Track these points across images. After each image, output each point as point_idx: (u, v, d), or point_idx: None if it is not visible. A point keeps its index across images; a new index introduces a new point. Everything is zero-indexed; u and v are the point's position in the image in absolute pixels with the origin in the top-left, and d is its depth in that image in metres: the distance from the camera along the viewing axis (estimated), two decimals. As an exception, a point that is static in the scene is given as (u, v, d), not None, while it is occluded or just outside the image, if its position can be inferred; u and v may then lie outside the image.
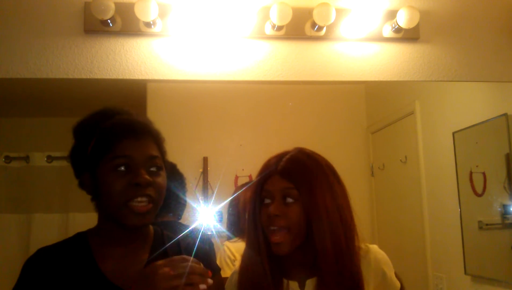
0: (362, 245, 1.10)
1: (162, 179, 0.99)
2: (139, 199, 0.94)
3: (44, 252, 1.00)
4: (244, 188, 1.70)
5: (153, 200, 0.96)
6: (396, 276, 1.12)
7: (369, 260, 1.08)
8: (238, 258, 1.17)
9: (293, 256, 1.08)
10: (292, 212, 1.03)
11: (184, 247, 1.06)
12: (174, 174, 1.62)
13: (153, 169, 0.98)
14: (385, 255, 1.13)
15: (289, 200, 1.03)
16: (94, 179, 0.97)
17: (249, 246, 1.11)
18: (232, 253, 1.57)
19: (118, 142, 0.95)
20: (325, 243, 1.02)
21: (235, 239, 1.64)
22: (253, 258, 1.08)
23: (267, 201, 1.06)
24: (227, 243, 1.64)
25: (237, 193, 1.72)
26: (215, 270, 1.09)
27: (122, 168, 0.95)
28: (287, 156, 1.09)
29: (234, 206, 1.71)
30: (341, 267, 1.02)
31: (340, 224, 1.04)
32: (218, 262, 1.55)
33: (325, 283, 1.02)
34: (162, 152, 1.03)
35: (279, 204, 1.03)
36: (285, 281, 1.09)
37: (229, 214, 1.70)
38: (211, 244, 1.33)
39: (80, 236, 1.04)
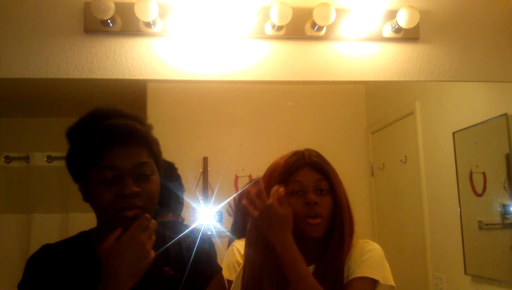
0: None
1: (152, 184, 0.98)
2: (126, 210, 0.94)
3: (49, 249, 1.01)
4: (245, 187, 1.68)
5: (142, 208, 0.95)
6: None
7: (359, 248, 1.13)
8: None
9: (299, 246, 1.10)
10: (326, 201, 1.11)
11: (185, 247, 1.06)
12: (172, 173, 1.61)
13: (141, 176, 0.96)
14: (374, 244, 1.16)
15: (322, 190, 1.11)
16: (87, 187, 0.98)
17: (259, 241, 1.12)
18: (242, 256, 1.52)
19: (105, 151, 0.94)
20: (345, 232, 1.11)
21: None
22: (261, 253, 1.12)
23: (299, 192, 1.11)
24: (236, 244, 1.57)
25: (239, 192, 1.71)
26: (216, 270, 1.09)
27: (109, 179, 0.94)
28: (308, 153, 1.15)
29: (235, 208, 1.70)
30: (345, 256, 1.11)
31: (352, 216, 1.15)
32: (225, 265, 1.52)
33: (329, 268, 1.09)
34: (155, 155, 1.02)
35: (315, 193, 1.11)
36: None
37: (234, 215, 1.69)
38: (211, 244, 1.33)
39: (83, 235, 1.05)
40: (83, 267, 0.98)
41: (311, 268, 1.11)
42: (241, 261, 1.47)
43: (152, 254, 0.92)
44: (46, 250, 1.01)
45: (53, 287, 0.96)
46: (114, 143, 0.95)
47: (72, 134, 1.03)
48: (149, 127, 1.05)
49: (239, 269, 1.22)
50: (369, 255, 1.11)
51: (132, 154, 0.96)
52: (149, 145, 1.01)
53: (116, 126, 0.97)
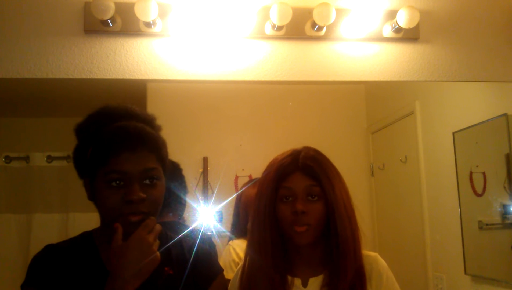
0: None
1: (158, 190, 0.97)
2: (131, 215, 0.94)
3: (52, 249, 1.02)
4: (245, 187, 1.69)
5: (146, 213, 0.95)
6: None
7: (368, 263, 1.10)
8: None
9: (301, 253, 1.11)
10: (316, 209, 1.06)
11: (187, 247, 1.07)
12: (176, 174, 1.61)
13: (148, 181, 0.96)
14: (385, 262, 1.14)
15: (313, 196, 1.06)
16: (92, 186, 0.98)
17: (256, 242, 1.11)
18: (238, 255, 1.52)
19: (113, 155, 0.94)
20: (347, 238, 1.05)
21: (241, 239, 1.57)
22: (259, 254, 1.09)
23: (289, 198, 1.07)
24: (232, 243, 1.59)
25: (239, 192, 1.71)
26: (218, 271, 1.09)
27: (116, 183, 0.93)
28: (304, 154, 1.10)
29: (235, 206, 1.70)
30: (356, 263, 1.06)
31: (355, 221, 1.09)
32: (222, 264, 1.54)
33: (340, 278, 1.04)
34: (163, 159, 1.01)
35: (304, 201, 1.06)
36: (289, 278, 1.10)
37: (233, 215, 1.69)
38: (211, 244, 1.33)
39: (85, 235, 1.05)
40: (86, 267, 0.99)
41: (320, 277, 1.09)
42: (237, 260, 1.49)
43: (158, 254, 0.93)
44: (50, 250, 1.01)
45: (56, 287, 0.96)
46: (123, 147, 0.94)
47: (81, 131, 1.02)
48: (158, 129, 1.05)
49: (235, 268, 1.22)
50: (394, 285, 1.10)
51: (140, 159, 0.95)
52: (158, 149, 1.00)
53: (127, 129, 0.97)
